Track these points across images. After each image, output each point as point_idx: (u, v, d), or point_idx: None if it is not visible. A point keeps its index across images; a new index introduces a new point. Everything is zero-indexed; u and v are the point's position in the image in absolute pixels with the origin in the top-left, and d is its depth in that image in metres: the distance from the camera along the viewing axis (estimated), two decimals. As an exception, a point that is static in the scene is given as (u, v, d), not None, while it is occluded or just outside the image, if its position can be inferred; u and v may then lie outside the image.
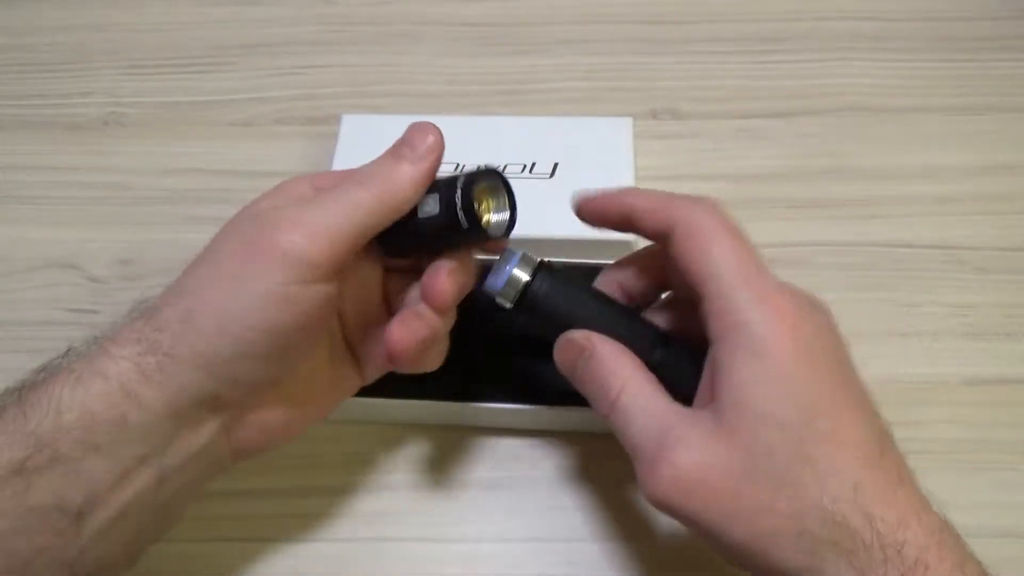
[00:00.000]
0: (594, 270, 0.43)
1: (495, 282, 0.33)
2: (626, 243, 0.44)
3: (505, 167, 0.48)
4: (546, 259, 0.34)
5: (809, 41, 0.58)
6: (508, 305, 0.33)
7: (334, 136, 0.49)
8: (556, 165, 0.48)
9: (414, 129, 0.33)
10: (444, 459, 0.41)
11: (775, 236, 0.48)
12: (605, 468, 0.40)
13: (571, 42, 0.58)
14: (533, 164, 0.48)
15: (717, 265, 0.29)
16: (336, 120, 0.50)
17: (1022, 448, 0.41)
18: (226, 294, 0.29)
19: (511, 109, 0.55)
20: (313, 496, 0.40)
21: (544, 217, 0.45)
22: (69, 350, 0.31)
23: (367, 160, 0.47)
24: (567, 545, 0.38)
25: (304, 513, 0.39)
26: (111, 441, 0.28)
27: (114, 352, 0.29)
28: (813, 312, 0.29)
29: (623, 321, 0.33)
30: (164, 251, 0.49)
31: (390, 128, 0.50)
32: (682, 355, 0.32)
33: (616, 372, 0.30)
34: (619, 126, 0.49)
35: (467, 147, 0.48)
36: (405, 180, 0.31)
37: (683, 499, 0.27)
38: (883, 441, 0.28)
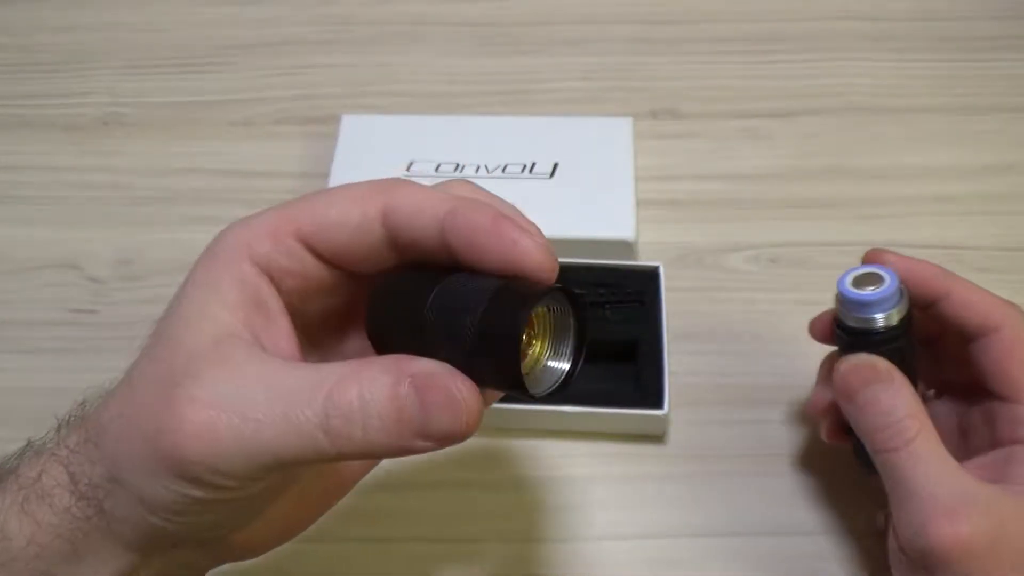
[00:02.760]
0: (594, 271, 0.43)
1: (877, 304, 0.33)
2: (626, 243, 0.44)
3: (505, 167, 0.48)
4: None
5: (809, 41, 0.58)
6: (892, 324, 0.33)
7: (334, 136, 0.49)
8: (556, 165, 0.48)
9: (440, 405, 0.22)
10: (444, 459, 0.41)
11: (775, 236, 0.48)
12: (606, 468, 0.40)
13: (571, 42, 0.58)
14: (533, 164, 0.48)
15: None
16: (336, 120, 0.50)
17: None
18: (141, 474, 0.23)
19: (511, 109, 0.55)
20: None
21: (544, 217, 0.45)
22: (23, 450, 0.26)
23: (367, 160, 0.48)
24: (568, 545, 0.38)
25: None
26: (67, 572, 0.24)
27: (54, 488, 0.24)
28: None
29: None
30: (164, 251, 0.49)
31: (390, 128, 0.51)
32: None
33: (916, 413, 0.31)
34: (619, 126, 0.49)
35: (467, 147, 0.48)
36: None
37: (969, 559, 0.29)
38: None
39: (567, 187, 0.47)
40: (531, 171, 0.47)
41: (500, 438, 0.41)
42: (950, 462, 0.30)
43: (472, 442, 0.41)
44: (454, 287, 0.23)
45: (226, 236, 0.26)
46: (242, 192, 0.51)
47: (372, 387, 0.21)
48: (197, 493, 0.22)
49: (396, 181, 0.25)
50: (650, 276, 0.43)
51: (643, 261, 0.44)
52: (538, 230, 0.24)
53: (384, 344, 0.25)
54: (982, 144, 0.52)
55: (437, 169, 0.48)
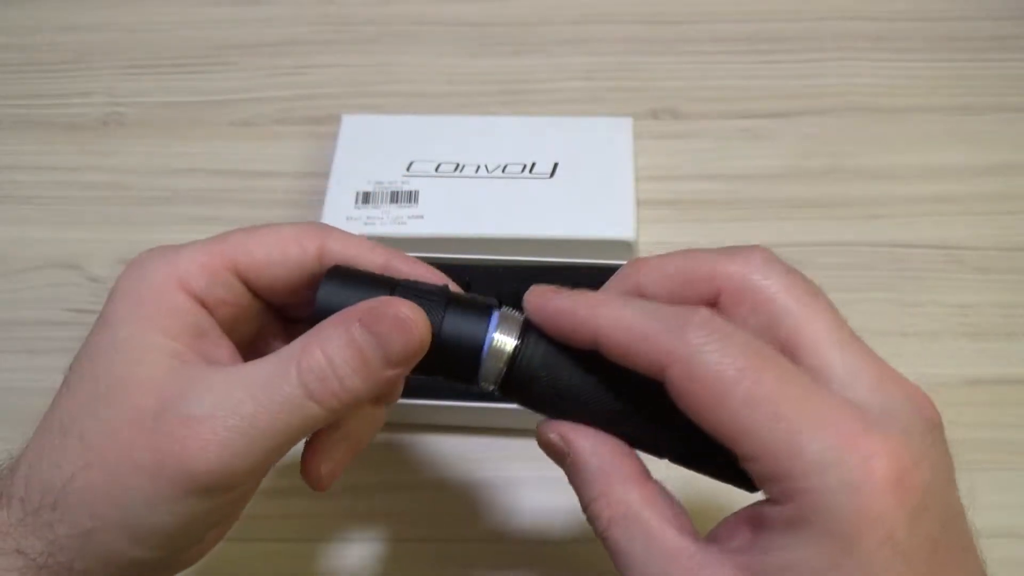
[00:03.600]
0: (593, 271, 0.43)
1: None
2: (625, 243, 0.44)
3: (505, 167, 0.48)
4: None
5: (809, 41, 0.58)
6: (490, 388, 0.26)
7: (334, 136, 0.49)
8: (556, 165, 0.48)
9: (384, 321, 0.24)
10: (444, 459, 0.41)
11: (775, 236, 0.48)
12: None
13: (571, 42, 0.58)
14: (533, 164, 0.48)
15: (747, 417, 0.20)
16: (336, 120, 0.50)
17: (1022, 448, 0.41)
18: (138, 511, 0.23)
19: (511, 109, 0.55)
20: (311, 496, 0.40)
21: (544, 217, 0.45)
22: None
23: (367, 160, 0.48)
24: (567, 546, 0.38)
25: (302, 513, 0.39)
26: None
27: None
28: (924, 456, 0.20)
29: (633, 399, 0.25)
30: (164, 251, 0.49)
31: (390, 128, 0.51)
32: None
33: (604, 493, 0.23)
34: (619, 126, 0.49)
35: (467, 147, 0.48)
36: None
37: None
38: None
39: (567, 187, 0.47)
40: (531, 171, 0.47)
41: (500, 437, 0.41)
42: (665, 542, 0.22)
43: (472, 442, 0.41)
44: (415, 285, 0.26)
45: (147, 271, 0.26)
46: (242, 192, 0.51)
47: (330, 342, 0.24)
48: (207, 504, 0.24)
49: (327, 226, 0.28)
50: (650, 276, 0.42)
51: (643, 261, 0.44)
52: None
53: None
54: (982, 144, 0.52)
55: (437, 169, 0.48)
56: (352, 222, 0.46)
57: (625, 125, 0.49)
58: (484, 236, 0.45)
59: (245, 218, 0.50)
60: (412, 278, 0.27)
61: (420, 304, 0.24)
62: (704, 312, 0.22)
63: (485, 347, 0.25)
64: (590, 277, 0.43)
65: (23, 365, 0.45)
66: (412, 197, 0.46)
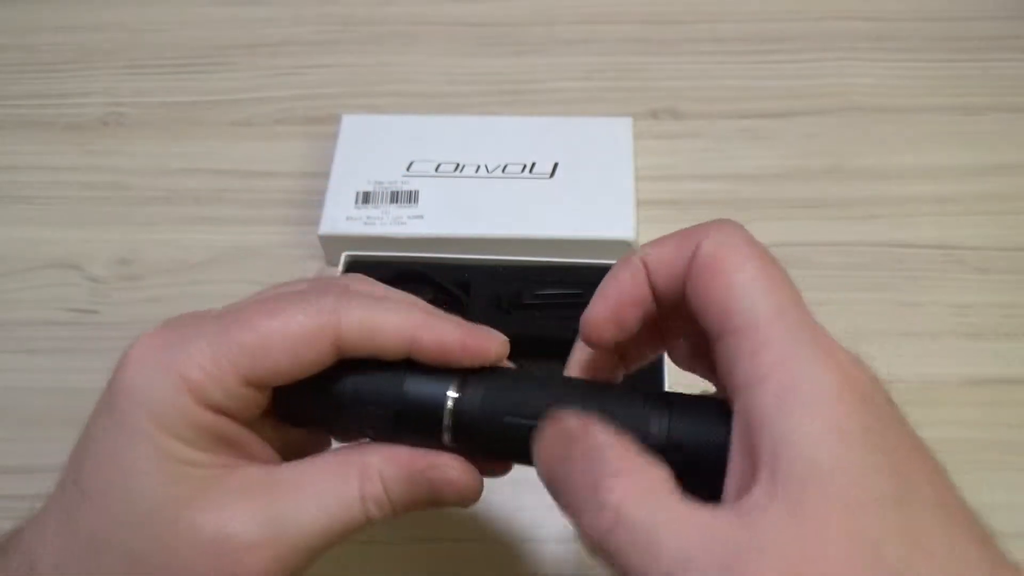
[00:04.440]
0: (593, 271, 0.43)
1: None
2: (626, 243, 0.44)
3: (505, 167, 0.48)
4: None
5: (809, 41, 0.58)
6: (452, 445, 0.25)
7: (334, 136, 0.49)
8: (556, 165, 0.48)
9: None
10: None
11: (775, 236, 0.48)
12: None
13: (571, 42, 0.58)
14: (533, 164, 0.48)
15: (747, 292, 0.22)
16: (336, 120, 0.50)
17: (1022, 448, 0.41)
18: None
19: (511, 109, 0.55)
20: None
21: (544, 217, 0.45)
22: None
23: (367, 160, 0.48)
24: (567, 545, 0.38)
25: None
26: None
27: None
28: (865, 366, 0.22)
29: (599, 395, 0.25)
30: (164, 251, 0.49)
31: (390, 128, 0.51)
32: (700, 414, 0.23)
33: (613, 469, 0.21)
34: (619, 126, 0.49)
35: (467, 147, 0.48)
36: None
37: None
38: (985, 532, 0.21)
39: (567, 187, 0.47)
40: (531, 171, 0.47)
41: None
42: (692, 512, 0.19)
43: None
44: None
45: (156, 379, 0.23)
46: (242, 192, 0.51)
47: (389, 475, 0.25)
48: None
49: (341, 302, 0.24)
50: (650, 276, 0.43)
51: (643, 261, 0.44)
52: (490, 331, 0.26)
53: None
54: (982, 144, 0.52)
55: (437, 169, 0.48)
56: (352, 222, 0.46)
57: (625, 125, 0.49)
58: (484, 236, 0.45)
59: (245, 218, 0.50)
60: (440, 350, 0.25)
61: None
62: (730, 221, 0.27)
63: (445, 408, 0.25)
64: (590, 277, 0.43)
65: (23, 365, 0.45)
66: (412, 197, 0.46)
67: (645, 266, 0.26)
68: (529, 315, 0.42)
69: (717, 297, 0.22)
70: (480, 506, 0.39)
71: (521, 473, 0.40)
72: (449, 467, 0.25)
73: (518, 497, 0.40)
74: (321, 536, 0.24)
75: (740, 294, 0.22)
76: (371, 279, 0.28)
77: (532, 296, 0.42)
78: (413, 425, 0.25)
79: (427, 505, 0.26)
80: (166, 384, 0.23)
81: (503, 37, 0.59)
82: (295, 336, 0.24)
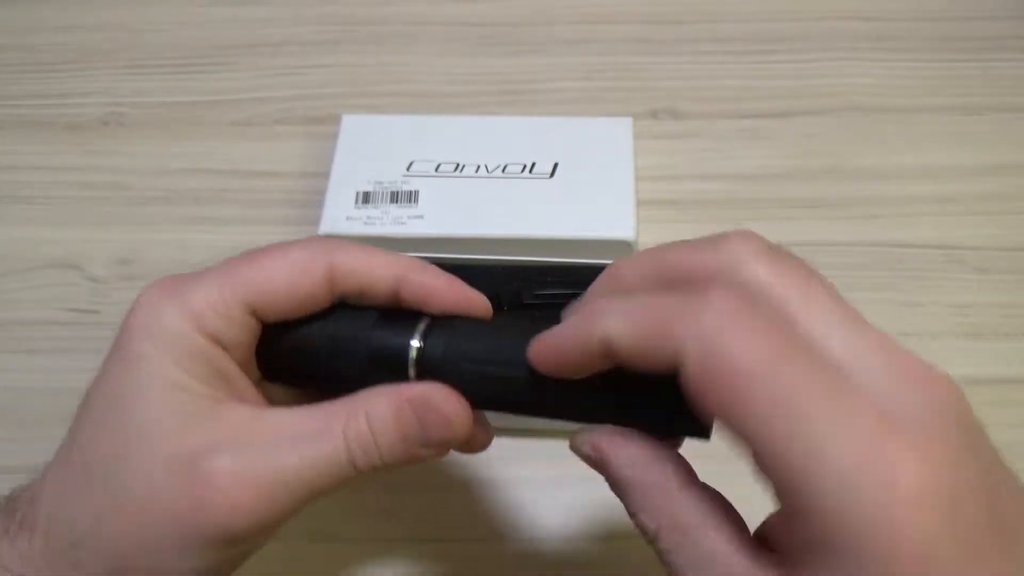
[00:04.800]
0: (593, 271, 0.43)
1: None
2: (626, 243, 0.44)
3: (505, 167, 0.48)
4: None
5: (809, 41, 0.58)
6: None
7: (334, 136, 0.49)
8: (556, 165, 0.47)
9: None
10: (444, 459, 0.41)
11: (775, 236, 0.47)
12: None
13: (571, 42, 0.58)
14: (533, 164, 0.48)
15: (766, 438, 0.18)
16: (336, 120, 0.50)
17: (1022, 448, 0.41)
18: (169, 556, 0.24)
19: (511, 109, 0.55)
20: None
21: (544, 217, 0.45)
22: None
23: (367, 160, 0.48)
24: (568, 545, 0.38)
25: (300, 512, 0.39)
26: None
27: None
28: (949, 450, 0.18)
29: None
30: (164, 251, 0.49)
31: (390, 128, 0.50)
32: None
33: (646, 504, 0.22)
34: (619, 126, 0.49)
35: (467, 147, 0.48)
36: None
37: None
38: None
39: (567, 187, 0.47)
40: (531, 171, 0.47)
41: (501, 437, 0.41)
42: (721, 549, 0.20)
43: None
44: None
45: (160, 310, 0.25)
46: (242, 192, 0.51)
47: (377, 414, 0.25)
48: (235, 551, 0.24)
49: (334, 242, 0.27)
50: (650, 276, 0.43)
51: (643, 261, 0.44)
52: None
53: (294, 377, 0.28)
54: (982, 144, 0.52)
55: (437, 169, 0.48)
56: (352, 222, 0.46)
57: (625, 125, 0.49)
58: (484, 236, 0.45)
59: (245, 218, 0.50)
60: (425, 291, 0.26)
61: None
62: (720, 286, 0.20)
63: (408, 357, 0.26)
64: (590, 277, 0.43)
65: (23, 365, 0.45)
66: (412, 197, 0.46)
67: (604, 343, 0.22)
68: (529, 315, 0.42)
69: (738, 425, 0.19)
70: (483, 505, 0.40)
71: (523, 472, 0.41)
72: (436, 395, 0.25)
73: (521, 496, 0.40)
74: (301, 479, 0.24)
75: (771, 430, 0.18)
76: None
77: (532, 296, 0.42)
78: (384, 369, 0.26)
79: (418, 447, 0.25)
80: (171, 313, 0.25)
81: (503, 37, 0.59)
82: (293, 265, 0.26)
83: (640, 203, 0.48)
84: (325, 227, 0.46)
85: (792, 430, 0.18)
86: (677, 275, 0.22)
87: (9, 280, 0.48)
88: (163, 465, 0.23)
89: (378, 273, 0.26)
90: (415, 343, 0.26)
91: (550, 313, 0.43)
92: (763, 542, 0.21)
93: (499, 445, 0.41)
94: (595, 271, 0.41)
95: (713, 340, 0.19)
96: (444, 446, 0.26)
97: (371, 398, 0.25)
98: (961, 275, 0.47)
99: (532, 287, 0.43)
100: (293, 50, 0.58)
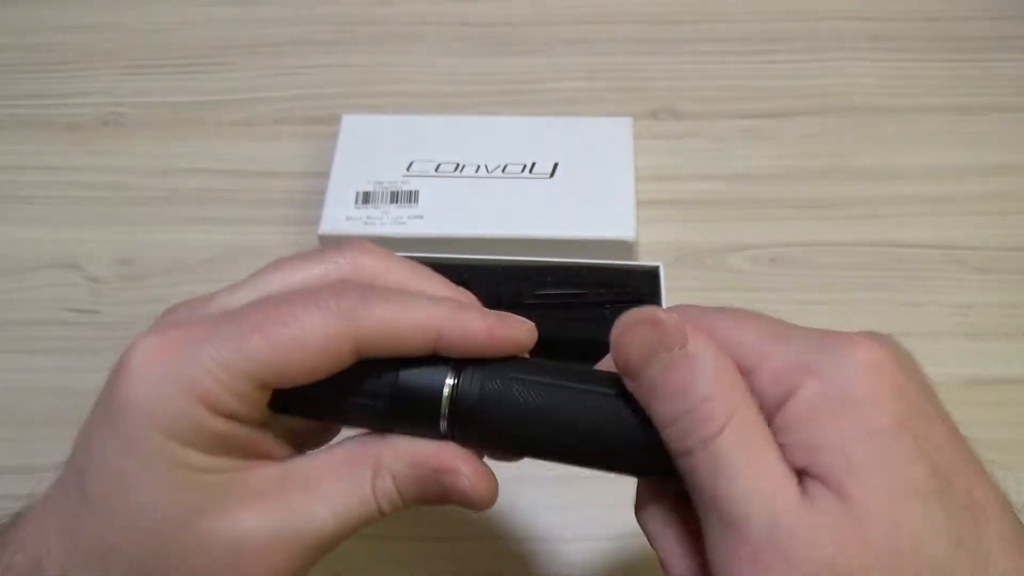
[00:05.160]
0: (593, 270, 0.43)
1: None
2: (626, 243, 0.44)
3: (505, 167, 0.48)
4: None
5: (809, 41, 0.58)
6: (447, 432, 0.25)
7: (334, 136, 0.49)
8: (556, 165, 0.48)
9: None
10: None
11: (775, 236, 0.48)
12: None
13: (571, 42, 0.58)
14: (533, 164, 0.48)
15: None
16: (336, 120, 0.50)
17: (1022, 448, 0.41)
18: None
19: (511, 109, 0.55)
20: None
21: (544, 217, 0.45)
22: None
23: (367, 160, 0.48)
24: (567, 545, 0.38)
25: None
26: None
27: None
28: (896, 351, 0.22)
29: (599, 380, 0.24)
30: (164, 251, 0.49)
31: (390, 128, 0.51)
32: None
33: (721, 393, 0.21)
34: (619, 126, 0.49)
35: (467, 147, 0.48)
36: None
37: None
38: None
39: (567, 187, 0.47)
40: (531, 171, 0.47)
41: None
42: (772, 463, 0.20)
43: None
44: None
45: (163, 387, 0.22)
46: (242, 192, 0.51)
47: (399, 472, 0.24)
48: None
49: (359, 304, 0.23)
50: (650, 276, 0.43)
51: (643, 261, 0.44)
52: (516, 318, 0.26)
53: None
54: (982, 144, 0.52)
55: (437, 169, 0.48)
56: (352, 222, 0.46)
57: (625, 125, 0.49)
58: (484, 236, 0.45)
59: (245, 218, 0.50)
60: (464, 345, 0.24)
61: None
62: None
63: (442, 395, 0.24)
64: (590, 277, 0.43)
65: (23, 365, 0.45)
66: (412, 197, 0.46)
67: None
68: (529, 315, 0.42)
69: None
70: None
71: (528, 471, 0.41)
72: (461, 473, 0.24)
73: (525, 496, 0.40)
74: (333, 533, 0.24)
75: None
76: (384, 250, 0.26)
77: (532, 296, 0.42)
78: (410, 415, 0.24)
79: (439, 502, 0.25)
80: (176, 395, 0.22)
81: (503, 37, 0.59)
82: (312, 346, 0.23)
83: (640, 203, 0.48)
84: (325, 227, 0.46)
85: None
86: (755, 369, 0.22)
87: (9, 280, 0.48)
88: (197, 547, 0.23)
89: (411, 336, 0.24)
90: (449, 381, 0.24)
91: (550, 314, 0.43)
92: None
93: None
94: (595, 271, 0.41)
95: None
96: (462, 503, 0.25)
97: (396, 459, 0.24)
98: (961, 275, 0.47)
99: (532, 287, 0.43)
100: (293, 50, 0.58)
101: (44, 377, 0.44)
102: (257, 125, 0.55)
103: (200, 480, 0.23)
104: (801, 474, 0.20)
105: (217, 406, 0.22)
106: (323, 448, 0.26)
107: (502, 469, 0.39)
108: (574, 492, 0.40)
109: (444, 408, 0.24)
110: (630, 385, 0.23)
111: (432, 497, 0.25)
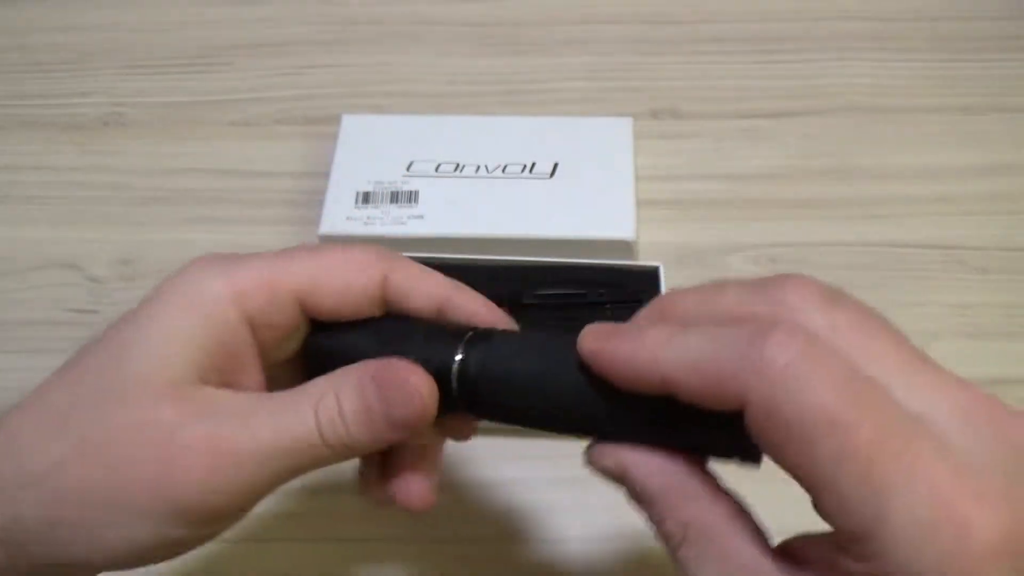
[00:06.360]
0: (593, 270, 0.43)
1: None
2: (626, 243, 0.44)
3: (505, 167, 0.48)
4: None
5: (809, 41, 0.58)
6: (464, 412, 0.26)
7: (334, 136, 0.49)
8: (556, 165, 0.48)
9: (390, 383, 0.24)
10: (444, 459, 0.41)
11: (775, 236, 0.48)
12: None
13: (571, 42, 0.58)
14: (533, 164, 0.48)
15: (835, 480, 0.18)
16: (336, 120, 0.50)
17: (1022, 448, 0.41)
18: (123, 521, 0.23)
19: (511, 109, 0.55)
20: (309, 495, 0.40)
21: (544, 217, 0.45)
22: None
23: (367, 160, 0.48)
24: (568, 545, 0.38)
25: (300, 512, 0.39)
26: None
27: None
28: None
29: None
30: (164, 251, 0.49)
31: (390, 128, 0.51)
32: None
33: (670, 511, 0.21)
34: (619, 126, 0.49)
35: (467, 147, 0.48)
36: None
37: None
38: None
39: (567, 187, 0.47)
40: (531, 171, 0.47)
41: (499, 438, 0.41)
42: (743, 557, 0.20)
43: (471, 441, 0.41)
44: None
45: (204, 278, 0.26)
46: (242, 192, 0.51)
47: (344, 391, 0.24)
48: (197, 532, 0.24)
49: (392, 254, 0.27)
50: (650, 276, 0.43)
51: (643, 261, 0.44)
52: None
53: None
54: (982, 144, 0.52)
55: (437, 169, 0.48)
56: (352, 222, 0.46)
57: (625, 125, 0.49)
58: (484, 236, 0.45)
59: (245, 218, 0.50)
60: (468, 313, 0.27)
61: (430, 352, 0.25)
62: (785, 327, 0.19)
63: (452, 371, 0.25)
64: (590, 277, 0.43)
65: (23, 365, 0.45)
66: (412, 197, 0.46)
67: (664, 381, 0.21)
68: (529, 315, 0.42)
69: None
70: (488, 505, 0.40)
71: (523, 472, 0.41)
72: (399, 371, 0.24)
73: (520, 496, 0.40)
74: (273, 449, 0.23)
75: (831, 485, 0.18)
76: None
77: (532, 296, 0.42)
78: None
79: (383, 424, 0.24)
80: (214, 278, 0.25)
81: (503, 37, 0.59)
82: (352, 264, 0.26)
83: (640, 203, 0.48)
84: (325, 227, 0.46)
85: (863, 478, 0.18)
86: (730, 320, 0.21)
87: (9, 280, 0.48)
88: (138, 428, 0.23)
89: (427, 291, 0.27)
90: (458, 356, 0.25)
91: (550, 314, 0.43)
92: (788, 554, 0.21)
93: (499, 445, 0.41)
94: (595, 271, 0.41)
95: (779, 387, 0.19)
96: (408, 426, 0.24)
97: (341, 376, 0.25)
98: (961, 275, 0.47)
99: (532, 287, 0.43)
100: (293, 50, 0.58)
101: (44, 377, 0.44)
102: (257, 125, 0.55)
103: (180, 364, 0.24)
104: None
105: (247, 302, 0.25)
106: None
107: (502, 470, 0.39)
108: (574, 493, 0.40)
109: (454, 380, 0.25)
110: None
111: (375, 412, 0.24)
